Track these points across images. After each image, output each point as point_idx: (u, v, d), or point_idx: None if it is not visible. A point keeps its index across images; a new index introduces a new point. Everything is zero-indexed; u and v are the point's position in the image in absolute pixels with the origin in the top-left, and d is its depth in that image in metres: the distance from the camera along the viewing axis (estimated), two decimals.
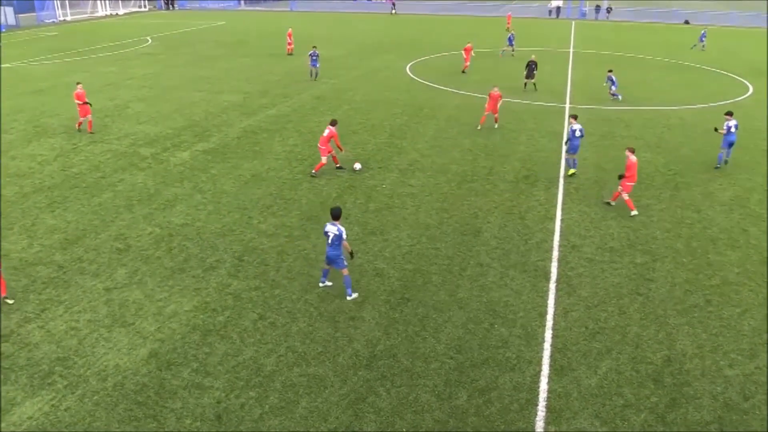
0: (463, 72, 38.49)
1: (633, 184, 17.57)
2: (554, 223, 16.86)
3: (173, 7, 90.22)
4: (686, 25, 71.62)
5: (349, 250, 13.13)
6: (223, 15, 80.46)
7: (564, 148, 21.20)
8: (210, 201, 18.14)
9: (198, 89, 33.46)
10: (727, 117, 21.09)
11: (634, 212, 17.38)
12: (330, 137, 19.80)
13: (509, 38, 47.07)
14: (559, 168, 21.12)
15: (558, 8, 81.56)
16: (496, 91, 25.61)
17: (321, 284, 13.48)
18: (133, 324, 12.09)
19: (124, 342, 11.53)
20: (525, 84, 33.72)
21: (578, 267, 14.50)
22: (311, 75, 36.37)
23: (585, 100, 31.57)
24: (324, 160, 20.04)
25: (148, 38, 54.62)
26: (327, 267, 13.16)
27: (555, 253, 15.14)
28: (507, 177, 20.27)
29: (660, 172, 20.83)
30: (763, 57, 46.42)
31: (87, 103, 24.52)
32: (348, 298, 12.99)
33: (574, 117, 20.50)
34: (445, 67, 40.89)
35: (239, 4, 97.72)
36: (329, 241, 12.59)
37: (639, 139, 24.50)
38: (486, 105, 25.87)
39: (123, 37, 55.10)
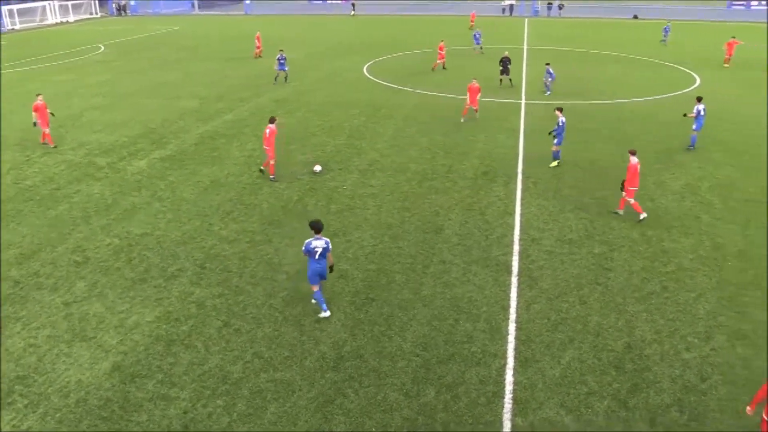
0: (433, 70, 39.27)
1: (635, 188, 16.66)
2: (514, 217, 17.12)
3: (125, 13, 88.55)
4: (635, 20, 73.33)
5: (331, 263, 12.33)
6: (177, 20, 79.27)
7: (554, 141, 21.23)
8: (169, 209, 17.90)
9: (154, 96, 32.95)
10: (697, 102, 22.48)
11: (643, 215, 16.70)
12: (273, 136, 19.49)
13: (475, 36, 47.99)
14: (518, 164, 21.45)
15: (511, 6, 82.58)
16: (475, 84, 26.40)
17: (324, 314, 12.45)
18: (95, 338, 11.87)
19: (85, 356, 11.31)
20: (500, 80, 34.37)
21: (539, 260, 14.76)
22: (276, 79, 36.15)
23: (540, 95, 32.10)
24: (272, 160, 19.91)
25: (101, 45, 53.51)
26: (318, 288, 12.29)
27: (516, 247, 15.38)
28: (466, 174, 20.49)
29: (615, 164, 21.30)
30: (709, 49, 47.86)
31: (51, 114, 24.10)
32: (326, 314, 12.44)
33: (560, 109, 20.87)
34: (401, 67, 41.10)
35: (193, 8, 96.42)
36: (317, 256, 11.91)
37: (594, 131, 25.03)
38: (467, 98, 26.74)
39: (75, 44, 53.85)
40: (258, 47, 45.43)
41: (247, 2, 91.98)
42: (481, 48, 47.14)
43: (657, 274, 14.08)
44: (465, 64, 41.17)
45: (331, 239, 15.72)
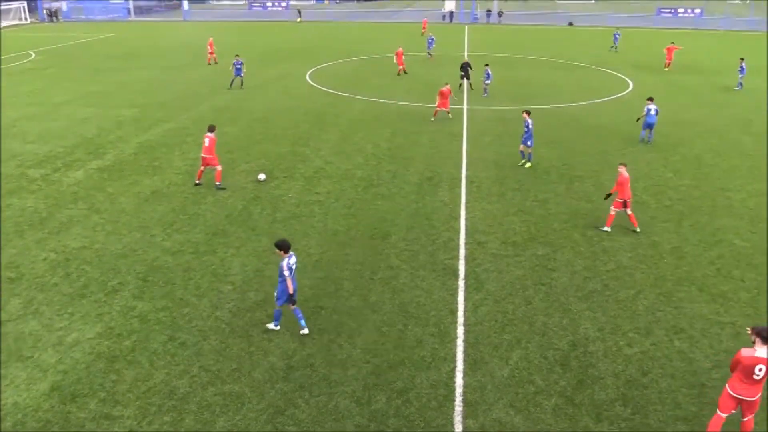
0: (398, 75, 40.01)
1: (624, 200, 16.33)
2: (459, 222, 17.33)
3: (57, 19, 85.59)
4: (570, 26, 75.57)
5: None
6: (112, 26, 77.16)
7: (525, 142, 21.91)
8: (108, 221, 17.35)
9: (89, 104, 31.92)
10: (648, 102, 24.08)
11: (607, 228, 16.59)
12: (213, 144, 19.35)
13: (429, 41, 49.33)
14: (461, 168, 21.73)
15: (451, 12, 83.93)
16: (446, 88, 28.31)
17: (303, 331, 12.08)
18: (31, 357, 11.37)
19: (22, 377, 10.82)
20: (460, 85, 35.15)
21: (484, 263, 14.98)
22: (232, 83, 35.88)
23: (480, 100, 32.66)
24: (218, 167, 19.73)
25: (32, 52, 51.55)
26: (295, 304, 11.91)
27: (462, 251, 15.57)
28: (411, 179, 20.64)
29: (555, 167, 21.88)
30: (640, 54, 49.76)
31: None
32: (275, 328, 12.22)
33: (527, 112, 21.72)
34: (344, 73, 41.15)
35: (128, 14, 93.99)
36: (293, 274, 11.58)
37: (534, 136, 25.57)
38: (438, 101, 28.32)
39: (3, 51, 51.68)
40: (211, 53, 45.01)
41: (186, 8, 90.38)
42: (430, 53, 48.47)
43: (598, 273, 14.50)
44: (415, 70, 41.45)
45: None
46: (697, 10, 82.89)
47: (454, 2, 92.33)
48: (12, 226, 17.02)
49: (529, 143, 21.71)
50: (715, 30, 73.07)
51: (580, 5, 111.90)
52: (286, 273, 11.47)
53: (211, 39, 46.68)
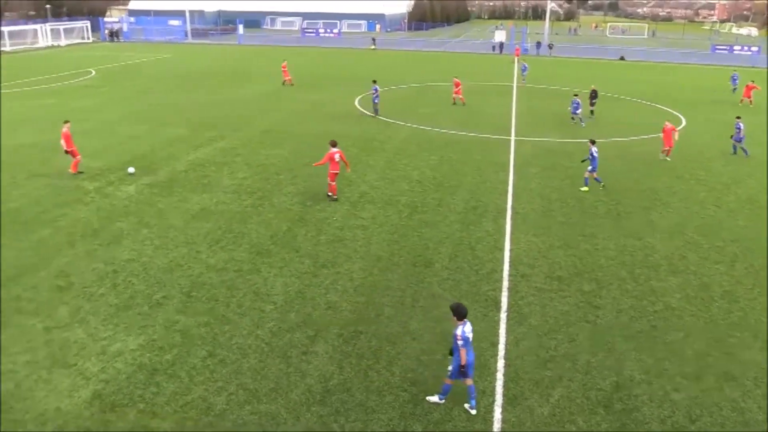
0: (453, 103, 40.06)
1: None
2: (503, 253, 17.12)
3: (118, 39, 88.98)
4: (622, 61, 74.81)
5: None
6: (169, 48, 79.79)
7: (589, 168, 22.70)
8: (156, 235, 17.72)
9: (143, 122, 32.92)
10: (737, 120, 25.78)
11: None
12: (342, 157, 20.71)
13: (522, 68, 51.20)
14: (507, 199, 21.55)
15: (501, 44, 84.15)
16: (669, 126, 27.22)
17: (472, 411, 10.64)
18: (75, 365, 11.60)
19: (65, 384, 11.03)
20: (592, 111, 36.59)
21: (528, 296, 14.72)
22: (377, 112, 35.75)
23: (529, 132, 32.46)
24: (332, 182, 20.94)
25: (92, 70, 53.60)
26: (467, 378, 10.55)
27: (505, 283, 15.35)
28: (456, 208, 20.54)
29: (602, 202, 21.48)
30: (693, 90, 48.82)
31: (67, 151, 23.16)
32: (439, 401, 10.82)
33: (592, 141, 22.87)
34: (393, 100, 41.43)
35: (186, 37, 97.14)
36: (468, 344, 10.35)
37: (582, 169, 25.23)
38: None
39: (65, 68, 53.91)
40: (286, 75, 47.02)
41: (240, 32, 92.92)
42: (524, 79, 50.82)
43: (645, 313, 14.08)
44: (468, 99, 41.46)
45: (320, 271, 15.76)
46: (755, 48, 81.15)
47: (504, 33, 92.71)
48: (65, 236, 17.53)
49: (590, 168, 22.67)
50: None
51: (632, 40, 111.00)
52: (460, 343, 10.14)
53: (285, 62, 48.52)
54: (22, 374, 11.27)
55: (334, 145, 20.72)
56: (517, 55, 69.64)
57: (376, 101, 35.58)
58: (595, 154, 22.43)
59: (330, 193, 21.03)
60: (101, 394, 10.78)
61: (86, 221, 18.67)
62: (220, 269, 15.69)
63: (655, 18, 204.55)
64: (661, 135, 27.52)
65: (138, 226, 18.35)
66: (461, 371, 10.35)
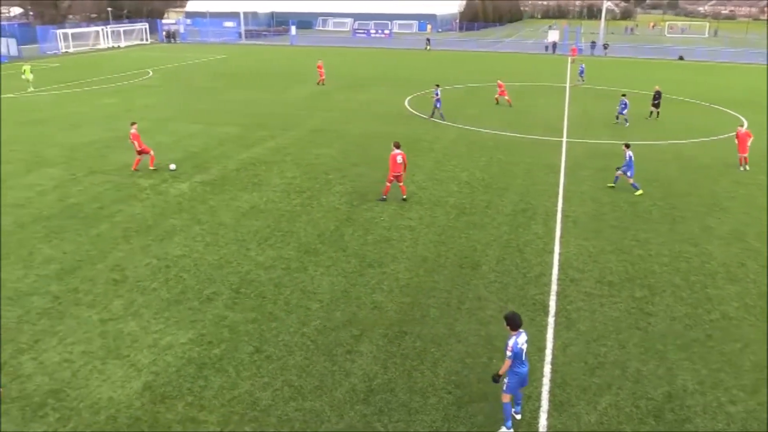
0: (497, 103, 40.00)
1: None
2: (553, 256, 16.82)
3: (175, 40, 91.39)
4: (681, 61, 72.62)
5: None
6: (224, 49, 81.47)
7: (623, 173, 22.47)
8: (208, 232, 18.11)
9: (196, 121, 33.69)
10: (625, 148, 22.57)
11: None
12: (404, 159, 20.53)
13: (580, 69, 50.26)
14: (557, 201, 21.18)
15: (554, 44, 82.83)
16: (744, 130, 25.96)
17: (517, 414, 10.47)
18: (128, 356, 11.96)
19: (118, 374, 11.38)
20: (651, 112, 36.23)
21: (577, 301, 14.43)
22: (434, 115, 35.11)
23: (581, 133, 31.83)
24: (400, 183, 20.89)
25: (150, 71, 55.19)
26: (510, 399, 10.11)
27: (554, 287, 15.08)
28: (505, 210, 20.30)
29: (657, 206, 20.88)
30: (755, 92, 46.96)
31: (140, 151, 23.77)
32: (518, 416, 10.51)
33: (627, 146, 22.52)
34: (444, 101, 41.20)
35: (240, 38, 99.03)
36: (524, 356, 9.90)
37: (636, 173, 24.58)
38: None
39: (124, 69, 55.70)
40: (321, 75, 47.52)
41: (293, 33, 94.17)
42: (581, 79, 49.75)
43: (700, 322, 13.61)
44: (515, 100, 41.03)
45: (366, 270, 15.81)
46: None
47: (557, 33, 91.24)
48: (121, 231, 18.09)
49: (629, 173, 22.23)
50: None
51: (691, 39, 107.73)
52: (508, 354, 9.64)
53: (320, 62, 49.23)
54: (79, 364, 11.67)
55: (397, 146, 20.53)
56: (574, 55, 68.16)
57: (438, 105, 34.66)
58: (630, 159, 22.00)
59: (384, 196, 20.96)
60: (152, 385, 11.08)
61: (141, 217, 19.22)
62: (268, 267, 15.92)
63: (716, 16, 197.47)
64: (735, 141, 25.85)
65: (190, 223, 18.79)
66: (494, 379, 10.02)
